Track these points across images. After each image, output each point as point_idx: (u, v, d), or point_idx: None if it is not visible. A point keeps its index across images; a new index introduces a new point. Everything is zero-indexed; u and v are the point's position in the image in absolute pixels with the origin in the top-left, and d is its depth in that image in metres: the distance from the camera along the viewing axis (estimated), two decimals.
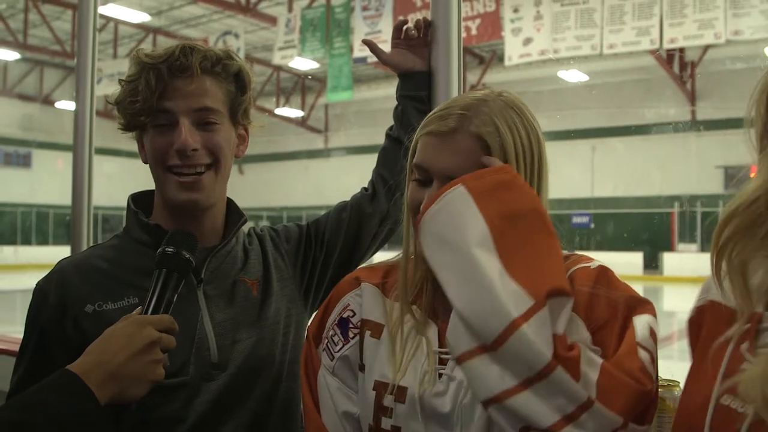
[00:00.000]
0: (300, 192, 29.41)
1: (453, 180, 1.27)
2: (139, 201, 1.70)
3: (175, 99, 1.54)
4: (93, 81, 2.79)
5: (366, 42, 2.06)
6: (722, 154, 23.47)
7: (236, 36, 20.19)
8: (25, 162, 29.49)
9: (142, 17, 21.27)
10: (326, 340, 1.46)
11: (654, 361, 1.24)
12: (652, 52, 17.59)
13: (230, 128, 1.63)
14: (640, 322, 1.26)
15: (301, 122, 30.68)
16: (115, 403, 1.24)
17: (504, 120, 1.34)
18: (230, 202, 1.74)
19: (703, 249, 23.90)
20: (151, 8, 21.73)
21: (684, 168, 23.74)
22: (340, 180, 29.74)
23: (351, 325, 1.45)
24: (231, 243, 1.69)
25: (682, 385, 1.37)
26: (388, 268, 1.49)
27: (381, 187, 1.88)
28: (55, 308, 1.55)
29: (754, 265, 1.14)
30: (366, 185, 1.93)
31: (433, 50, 1.92)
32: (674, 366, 1.49)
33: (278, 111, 28.40)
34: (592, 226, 23.20)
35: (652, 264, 22.89)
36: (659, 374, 1.30)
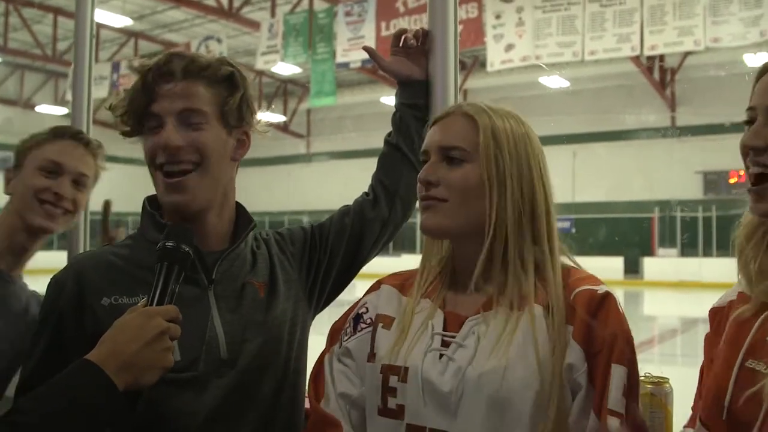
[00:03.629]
0: (282, 197, 29.39)
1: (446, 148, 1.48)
2: (155, 203, 1.74)
3: (161, 102, 1.62)
4: (90, 87, 2.79)
5: (366, 49, 2.10)
6: (701, 159, 23.70)
7: (219, 41, 20.12)
8: (3, 166, 29.22)
9: (124, 21, 21.19)
10: (341, 332, 1.62)
11: (632, 423, 1.33)
12: (634, 59, 17.75)
13: (220, 130, 1.67)
14: (615, 379, 1.34)
15: (283, 127, 30.66)
16: (130, 390, 1.31)
17: (498, 112, 1.52)
18: (240, 207, 1.79)
19: (683, 254, 24.10)
20: (133, 12, 21.66)
21: (664, 173, 23.94)
22: (322, 185, 29.76)
23: (362, 321, 1.60)
24: (240, 247, 1.74)
25: (672, 382, 1.43)
26: (409, 273, 1.64)
27: (381, 192, 1.94)
28: (73, 298, 1.61)
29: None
30: (366, 190, 1.99)
31: (431, 59, 1.98)
32: (656, 370, 1.51)
33: (260, 116, 28.29)
34: (574, 231, 23.28)
35: (632, 268, 23.04)
36: (649, 372, 1.42)
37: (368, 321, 1.58)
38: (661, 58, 21.26)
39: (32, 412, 1.23)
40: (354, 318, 1.61)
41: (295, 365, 1.73)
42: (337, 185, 28.59)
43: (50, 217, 1.99)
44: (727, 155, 22.81)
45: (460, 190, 1.47)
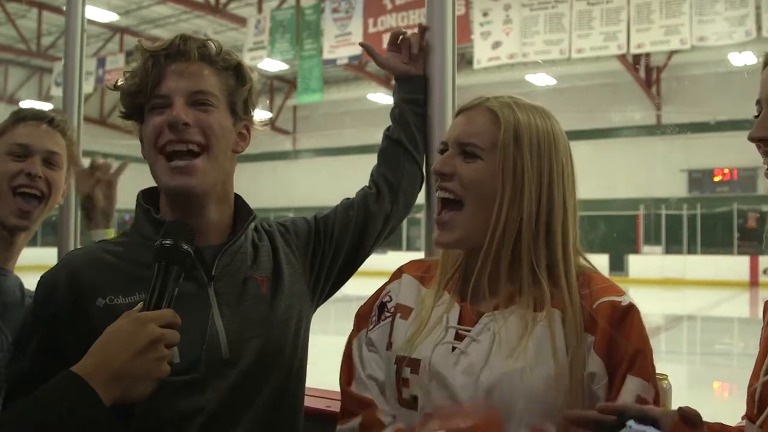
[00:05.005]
0: (268, 193, 29.29)
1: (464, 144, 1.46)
2: (149, 198, 1.69)
3: (171, 81, 1.57)
4: (81, 82, 2.77)
5: (363, 45, 2.11)
6: (686, 157, 23.81)
7: (205, 36, 20.04)
8: None
9: (110, 17, 21.07)
10: (368, 318, 1.60)
11: None
12: (620, 57, 17.81)
13: (227, 116, 1.63)
14: (629, 388, 1.34)
15: (269, 123, 30.52)
16: (121, 403, 1.24)
17: (524, 107, 1.50)
18: (238, 199, 1.74)
19: (667, 251, 24.22)
20: (119, 8, 21.52)
21: (649, 171, 24.03)
22: (308, 182, 29.72)
23: (386, 309, 1.58)
24: (240, 240, 1.67)
25: (670, 379, 1.44)
26: (431, 263, 1.62)
27: (384, 186, 1.92)
28: (67, 300, 1.54)
29: None
30: (368, 184, 1.96)
31: (429, 56, 1.98)
32: None
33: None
34: None
35: (617, 266, 23.13)
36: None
37: (391, 310, 1.57)
38: (647, 56, 21.35)
39: (12, 426, 1.16)
40: (379, 306, 1.59)
41: (298, 363, 1.69)
42: (323, 182, 28.55)
43: (23, 214, 1.95)
44: (712, 153, 22.97)
45: (473, 186, 1.45)
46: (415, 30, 2.01)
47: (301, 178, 30.37)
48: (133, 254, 1.60)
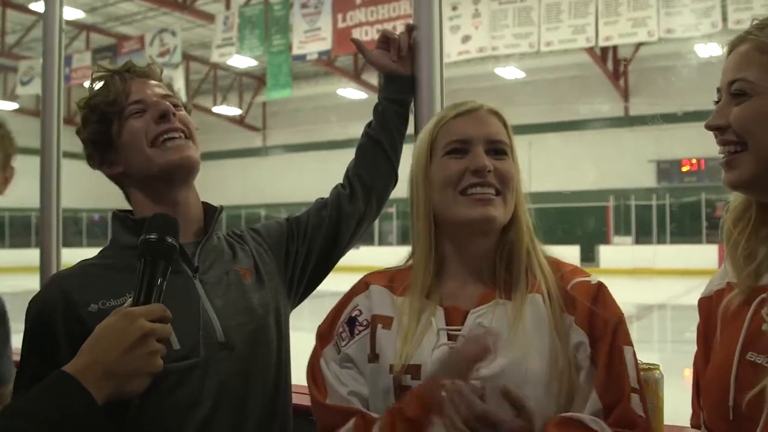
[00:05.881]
0: (238, 191, 29.18)
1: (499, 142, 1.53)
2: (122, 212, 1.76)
3: (144, 89, 1.72)
4: (60, 83, 2.74)
5: (354, 41, 2.17)
6: (654, 148, 24.07)
7: (173, 33, 19.89)
8: None
9: (76, 14, 20.84)
10: (336, 338, 1.57)
11: (643, 394, 1.41)
12: (588, 50, 17.93)
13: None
14: (629, 357, 1.42)
15: (239, 120, 30.42)
16: (114, 401, 1.23)
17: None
18: (203, 202, 1.82)
19: (637, 241, 24.47)
20: (85, 5, 21.30)
21: (618, 162, 24.26)
22: (278, 178, 29.64)
23: (357, 323, 1.56)
24: (214, 239, 1.75)
25: (662, 369, 1.47)
26: (394, 272, 1.63)
27: (359, 187, 1.95)
28: (60, 312, 1.56)
29: (761, 255, 1.34)
30: (342, 182, 1.99)
31: (417, 56, 1.99)
32: None
33: (215, 109, 28.11)
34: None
35: (588, 257, 23.33)
36: (640, 359, 1.45)
37: (364, 323, 1.55)
38: (615, 48, 21.53)
39: (4, 426, 1.16)
40: (348, 322, 1.57)
41: (285, 355, 1.75)
42: (294, 178, 28.48)
43: None
44: (679, 144, 23.22)
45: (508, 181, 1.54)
46: (392, 28, 2.04)
47: (271, 174, 30.28)
48: (117, 264, 1.64)
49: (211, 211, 1.79)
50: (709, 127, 1.35)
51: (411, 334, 1.48)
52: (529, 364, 1.40)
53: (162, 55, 19.59)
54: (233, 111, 29.47)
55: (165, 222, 1.40)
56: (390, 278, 1.61)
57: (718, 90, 1.36)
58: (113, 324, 1.27)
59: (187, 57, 23.30)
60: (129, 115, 1.68)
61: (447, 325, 1.48)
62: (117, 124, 1.69)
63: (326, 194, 1.98)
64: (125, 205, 1.77)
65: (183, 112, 1.74)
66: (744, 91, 1.30)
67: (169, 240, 1.37)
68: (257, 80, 27.32)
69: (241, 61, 20.32)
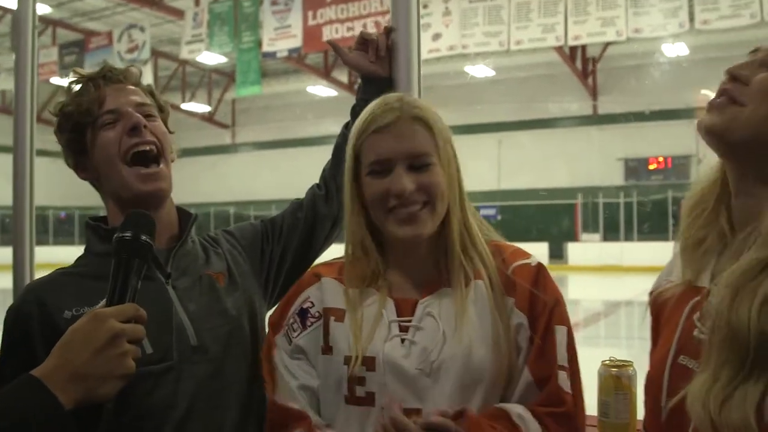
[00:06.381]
0: (207, 189, 28.95)
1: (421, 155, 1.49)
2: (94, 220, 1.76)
3: (121, 97, 1.71)
4: (34, 80, 2.69)
5: (331, 43, 2.14)
6: (622, 146, 24.29)
7: (141, 29, 19.72)
8: None
9: (42, 9, 20.54)
10: (286, 327, 1.59)
11: (573, 373, 1.49)
12: (557, 48, 18.04)
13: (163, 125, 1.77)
14: (560, 338, 1.50)
15: (208, 117, 30.22)
16: (86, 404, 1.19)
17: (429, 109, 1.56)
18: (177, 207, 1.82)
19: (605, 238, 24.69)
20: (52, 0, 21.02)
21: (586, 160, 24.45)
22: (248, 176, 29.48)
23: (309, 315, 1.59)
24: (188, 243, 1.75)
25: (636, 365, 1.49)
26: (341, 264, 1.64)
27: (334, 189, 1.94)
28: (36, 319, 1.56)
29: (706, 244, 1.33)
30: (318, 182, 1.99)
31: (394, 58, 1.99)
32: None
33: (184, 106, 27.88)
34: (499, 217, 23.60)
35: (557, 254, 23.50)
36: (614, 356, 1.47)
37: (316, 315, 1.58)
38: (583, 47, 21.70)
39: None
40: (299, 313, 1.59)
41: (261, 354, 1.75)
42: (263, 175, 28.36)
43: None
44: (647, 142, 23.47)
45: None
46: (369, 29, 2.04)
47: (241, 171, 30.11)
48: (92, 271, 1.64)
49: (185, 217, 1.79)
50: (731, 73, 1.28)
51: (360, 325, 1.51)
52: (474, 353, 1.45)
53: (130, 51, 19.43)
54: (202, 108, 29.26)
55: (140, 220, 1.37)
56: (338, 270, 1.62)
57: (757, 49, 1.30)
58: (83, 326, 1.23)
59: (155, 53, 23.10)
60: (101, 126, 1.68)
61: (398, 316, 1.51)
62: (90, 133, 1.69)
63: (295, 191, 1.99)
64: (92, 202, 1.76)
65: (157, 122, 1.73)
66: None
67: (144, 238, 1.33)
68: (227, 77, 27.16)
69: (211, 58, 20.19)
